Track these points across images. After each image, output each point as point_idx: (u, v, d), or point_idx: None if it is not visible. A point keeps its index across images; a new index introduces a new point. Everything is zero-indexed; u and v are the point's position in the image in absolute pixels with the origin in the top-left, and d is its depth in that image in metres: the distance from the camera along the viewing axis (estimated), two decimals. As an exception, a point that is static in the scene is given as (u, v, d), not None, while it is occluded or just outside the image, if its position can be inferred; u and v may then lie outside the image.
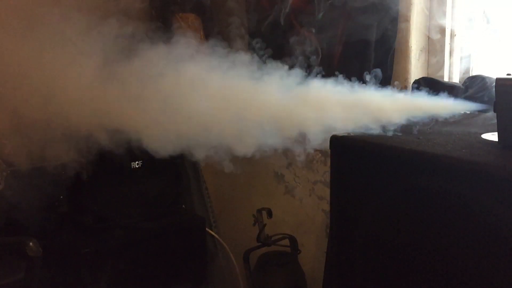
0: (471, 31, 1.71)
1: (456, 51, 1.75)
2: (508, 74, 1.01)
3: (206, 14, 2.26)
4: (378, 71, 1.64)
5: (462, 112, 1.39)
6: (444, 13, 1.72)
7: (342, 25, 1.80)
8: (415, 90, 1.58)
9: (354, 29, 1.76)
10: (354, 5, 1.73)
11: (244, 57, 1.30)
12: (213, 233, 2.38)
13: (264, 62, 1.31)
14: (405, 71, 1.72)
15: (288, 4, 1.98)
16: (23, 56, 1.25)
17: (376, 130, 1.18)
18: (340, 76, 1.29)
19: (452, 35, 1.74)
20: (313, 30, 1.89)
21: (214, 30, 2.24)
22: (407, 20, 1.68)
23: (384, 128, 1.19)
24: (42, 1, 1.30)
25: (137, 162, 1.88)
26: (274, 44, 2.00)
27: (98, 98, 1.23)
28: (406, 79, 1.72)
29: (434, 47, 1.75)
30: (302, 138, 1.22)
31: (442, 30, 1.73)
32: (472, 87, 1.53)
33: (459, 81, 1.71)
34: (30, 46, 1.25)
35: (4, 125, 1.27)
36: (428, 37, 1.76)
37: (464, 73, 1.73)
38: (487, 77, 1.54)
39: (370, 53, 1.73)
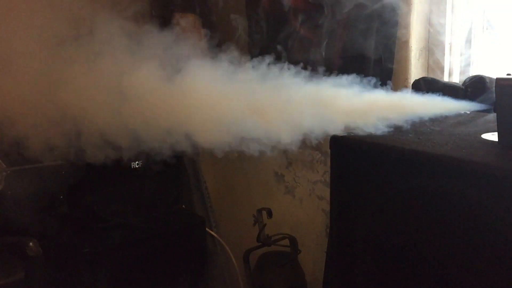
0: (471, 31, 1.71)
1: (456, 51, 1.75)
2: (508, 74, 1.01)
3: (206, 14, 2.26)
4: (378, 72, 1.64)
5: (462, 112, 1.39)
6: (444, 14, 1.72)
7: (341, 28, 1.80)
8: (415, 90, 1.58)
9: (354, 29, 1.76)
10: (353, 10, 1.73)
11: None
12: (213, 233, 2.38)
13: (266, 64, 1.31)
14: (405, 71, 1.72)
15: (289, 4, 1.98)
16: (28, 55, 1.25)
17: (376, 130, 1.18)
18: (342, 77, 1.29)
19: (452, 35, 1.74)
20: (314, 32, 1.90)
21: (214, 31, 2.25)
22: (407, 20, 1.68)
23: (384, 128, 1.19)
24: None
25: (137, 162, 1.88)
26: (274, 46, 2.01)
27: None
28: (406, 79, 1.72)
29: (434, 47, 1.75)
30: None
31: (442, 31, 1.73)
32: (472, 87, 1.54)
33: (459, 81, 1.71)
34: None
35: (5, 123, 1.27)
36: (428, 37, 1.76)
37: (464, 73, 1.74)
38: (487, 77, 1.54)
39: (370, 55, 1.73)
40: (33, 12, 1.27)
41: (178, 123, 1.20)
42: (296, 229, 2.18)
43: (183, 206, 2.15)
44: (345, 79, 1.29)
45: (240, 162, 2.47)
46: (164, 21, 2.15)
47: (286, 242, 2.10)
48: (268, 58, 1.30)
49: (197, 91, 1.22)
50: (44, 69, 1.23)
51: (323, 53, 1.86)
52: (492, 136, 1.11)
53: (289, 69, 1.30)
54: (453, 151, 0.99)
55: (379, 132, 1.18)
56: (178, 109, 1.21)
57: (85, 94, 1.21)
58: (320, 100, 1.24)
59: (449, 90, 1.52)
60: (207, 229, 2.19)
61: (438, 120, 1.30)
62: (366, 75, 1.32)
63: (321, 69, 1.32)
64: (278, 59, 1.32)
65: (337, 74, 1.30)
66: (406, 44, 1.70)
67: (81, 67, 1.23)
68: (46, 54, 1.24)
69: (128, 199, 1.93)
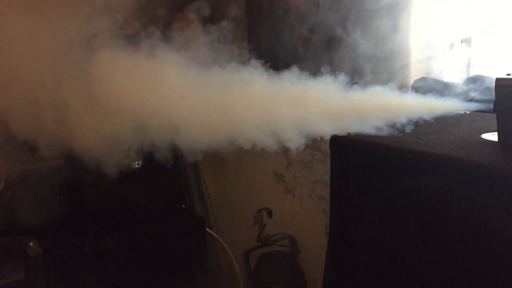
0: (471, 31, 1.71)
1: (456, 51, 1.75)
2: (508, 74, 1.01)
3: (206, 14, 2.26)
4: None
5: (462, 112, 1.39)
6: (444, 14, 1.72)
7: (341, 29, 1.80)
8: (415, 90, 1.58)
9: (353, 29, 1.76)
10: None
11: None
12: (213, 233, 2.38)
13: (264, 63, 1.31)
14: (405, 71, 1.72)
15: (288, 4, 1.98)
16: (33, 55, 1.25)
17: (376, 130, 1.18)
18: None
19: (452, 35, 1.74)
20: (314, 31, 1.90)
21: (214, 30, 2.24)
22: (406, 21, 1.68)
23: (384, 128, 1.20)
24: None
25: (137, 162, 1.88)
26: (274, 45, 2.01)
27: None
28: (406, 79, 1.72)
29: (434, 46, 1.75)
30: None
31: (443, 31, 1.73)
32: (472, 87, 1.54)
33: (459, 81, 1.71)
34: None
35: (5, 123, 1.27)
36: (428, 37, 1.76)
37: (464, 73, 1.73)
38: (487, 77, 1.54)
39: (370, 55, 1.73)
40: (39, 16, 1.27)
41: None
42: (296, 229, 2.18)
43: (183, 206, 2.15)
44: (345, 79, 1.29)
45: (240, 162, 2.47)
46: (164, 21, 2.15)
47: (286, 242, 2.10)
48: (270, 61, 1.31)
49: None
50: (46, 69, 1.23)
51: (323, 53, 1.86)
52: (492, 136, 1.11)
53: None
54: (453, 151, 0.99)
55: (379, 132, 1.18)
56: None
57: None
58: (320, 100, 1.24)
59: (449, 90, 1.52)
60: (207, 229, 2.19)
61: (438, 120, 1.30)
62: (366, 75, 1.32)
63: (320, 68, 1.32)
64: (277, 59, 1.33)
65: (337, 74, 1.30)
66: (406, 44, 1.70)
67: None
68: (47, 57, 1.24)
69: (128, 199, 1.93)
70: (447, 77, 1.76)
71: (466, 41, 1.73)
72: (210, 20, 2.25)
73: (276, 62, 1.38)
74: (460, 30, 1.73)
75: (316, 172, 2.12)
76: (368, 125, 1.19)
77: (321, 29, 1.86)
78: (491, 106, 1.39)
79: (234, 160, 2.43)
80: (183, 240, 2.01)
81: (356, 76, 1.30)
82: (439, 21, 1.71)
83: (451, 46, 1.75)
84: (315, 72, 1.31)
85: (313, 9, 1.85)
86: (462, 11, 1.71)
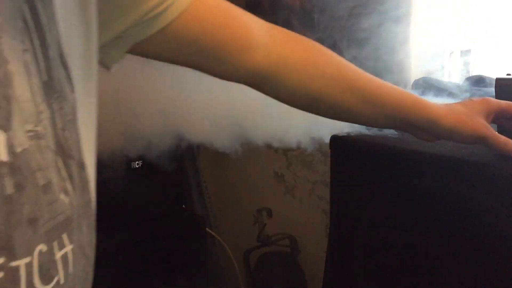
0: (471, 31, 1.71)
1: (456, 51, 1.75)
2: (508, 74, 1.01)
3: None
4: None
5: (462, 112, 1.39)
6: (444, 14, 1.72)
7: (340, 30, 1.80)
8: (415, 90, 1.58)
9: (352, 30, 1.76)
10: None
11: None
12: (213, 233, 2.38)
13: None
14: (405, 71, 1.72)
15: (287, 4, 1.98)
16: None
17: (376, 130, 1.18)
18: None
19: (452, 36, 1.74)
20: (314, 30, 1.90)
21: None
22: (406, 22, 1.68)
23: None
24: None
25: (137, 162, 1.88)
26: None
27: None
28: (406, 79, 1.72)
29: (434, 46, 1.75)
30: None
31: (443, 31, 1.73)
32: (472, 87, 1.54)
33: (459, 81, 1.71)
34: None
35: None
36: (429, 37, 1.76)
37: (464, 73, 1.73)
38: (487, 77, 1.54)
39: (369, 55, 1.72)
40: None
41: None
42: (296, 229, 2.18)
43: (183, 206, 2.15)
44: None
45: (240, 162, 2.47)
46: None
47: (286, 242, 2.10)
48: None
49: None
50: None
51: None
52: (492, 136, 1.11)
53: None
54: (453, 151, 0.99)
55: (379, 132, 1.18)
56: None
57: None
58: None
59: (449, 90, 1.52)
60: (207, 229, 2.19)
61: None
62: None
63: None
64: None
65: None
66: (406, 44, 1.70)
67: None
68: None
69: (127, 199, 1.93)
70: (447, 77, 1.76)
71: (466, 53, 1.73)
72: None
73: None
74: (460, 36, 1.72)
75: (316, 172, 2.12)
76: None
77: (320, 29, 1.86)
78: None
79: (234, 160, 2.43)
80: (183, 240, 2.01)
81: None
82: (438, 30, 1.71)
83: (451, 54, 1.75)
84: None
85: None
86: (462, 15, 1.71)
